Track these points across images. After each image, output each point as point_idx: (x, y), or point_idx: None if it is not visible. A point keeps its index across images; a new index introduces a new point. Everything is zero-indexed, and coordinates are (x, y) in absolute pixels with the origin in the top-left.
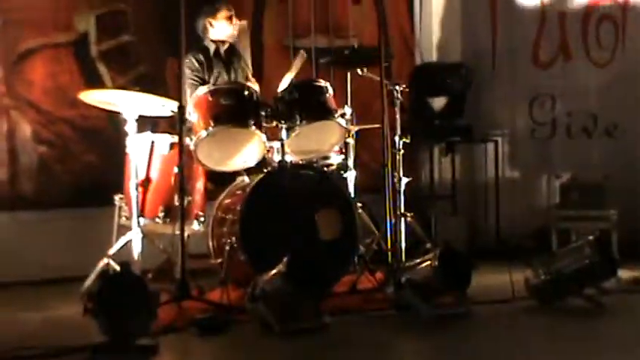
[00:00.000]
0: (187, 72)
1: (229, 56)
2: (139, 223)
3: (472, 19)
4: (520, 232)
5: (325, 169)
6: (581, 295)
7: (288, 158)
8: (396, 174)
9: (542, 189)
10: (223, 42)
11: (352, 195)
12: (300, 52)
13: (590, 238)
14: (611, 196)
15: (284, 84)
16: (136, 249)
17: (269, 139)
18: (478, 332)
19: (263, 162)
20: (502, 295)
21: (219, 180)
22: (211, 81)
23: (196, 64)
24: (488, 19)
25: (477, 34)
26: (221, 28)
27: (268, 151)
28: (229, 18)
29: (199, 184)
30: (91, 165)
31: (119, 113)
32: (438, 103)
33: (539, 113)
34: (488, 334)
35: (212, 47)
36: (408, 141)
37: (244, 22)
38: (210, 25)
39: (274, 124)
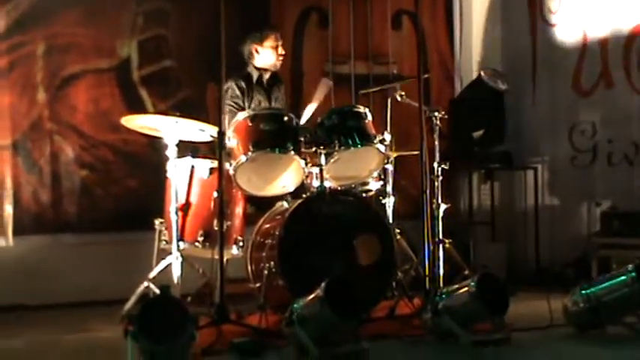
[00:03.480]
0: (228, 97)
1: (271, 84)
2: (178, 247)
3: (512, 45)
4: (560, 259)
5: (364, 195)
6: (620, 323)
7: (327, 184)
8: (434, 200)
9: (582, 216)
10: (266, 70)
11: (390, 221)
12: (324, 80)
13: (631, 266)
14: None
15: (307, 114)
16: (176, 273)
17: (308, 164)
18: (516, 359)
19: (302, 187)
20: (540, 323)
21: (258, 205)
22: (251, 108)
23: (237, 91)
24: (529, 46)
25: (517, 61)
26: (266, 56)
27: (307, 176)
28: (275, 47)
29: (238, 209)
30: (131, 189)
31: (160, 138)
32: (477, 132)
33: (579, 140)
34: None
35: (255, 74)
36: (446, 167)
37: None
38: (256, 51)
39: (313, 149)
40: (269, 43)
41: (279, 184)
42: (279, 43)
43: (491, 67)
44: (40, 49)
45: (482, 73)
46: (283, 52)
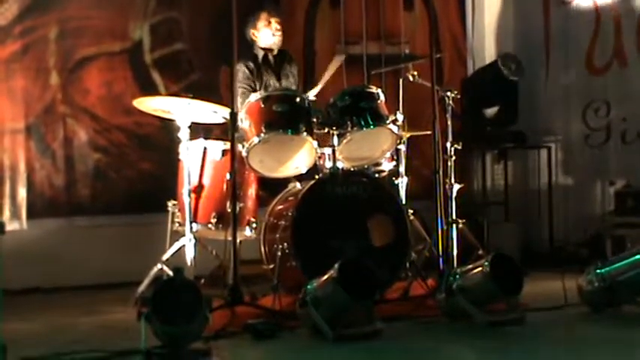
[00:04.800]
0: (238, 79)
1: (279, 63)
2: (191, 229)
3: (525, 24)
4: (574, 239)
5: (377, 175)
6: (635, 302)
7: (340, 165)
8: (447, 180)
9: (596, 195)
10: (271, 49)
11: (404, 201)
12: (336, 57)
13: None
14: None
15: (317, 88)
16: (189, 255)
17: (320, 145)
18: (530, 339)
19: (315, 168)
20: (555, 302)
21: (271, 186)
22: (261, 88)
23: (247, 72)
24: (541, 24)
25: (530, 39)
26: (264, 36)
27: (320, 157)
28: (268, 24)
29: (251, 191)
30: (144, 172)
31: (173, 120)
32: (491, 109)
33: (593, 119)
34: (541, 341)
35: (260, 54)
36: (459, 147)
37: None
38: (254, 35)
39: (326, 130)
40: (262, 23)
41: (292, 166)
42: (273, 19)
43: (508, 55)
44: (52, 33)
45: (499, 62)
46: (278, 27)
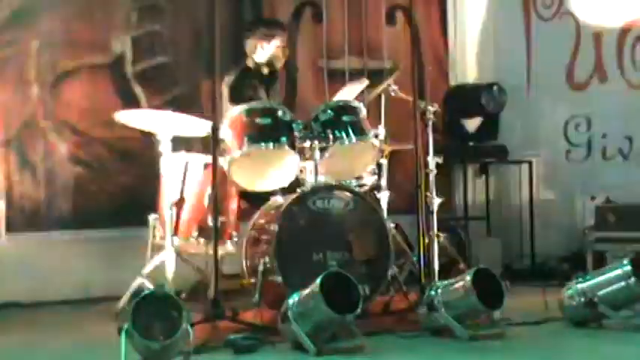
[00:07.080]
0: (227, 91)
1: (269, 79)
2: (172, 243)
3: (506, 39)
4: (555, 253)
5: (359, 189)
6: (616, 317)
7: (322, 178)
8: (429, 194)
9: (577, 210)
10: (265, 64)
11: (386, 215)
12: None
13: (626, 259)
14: None
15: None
16: (170, 269)
17: (302, 159)
18: (512, 353)
19: (296, 182)
20: (536, 317)
21: (252, 200)
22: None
23: (237, 84)
24: (522, 39)
25: (511, 54)
26: (269, 52)
27: (301, 171)
28: (268, 39)
29: (233, 204)
30: (125, 185)
31: (154, 134)
32: (472, 124)
33: (574, 134)
34: (523, 356)
35: (254, 68)
36: (441, 161)
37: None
38: (261, 47)
39: (308, 144)
40: (276, 42)
41: (274, 179)
42: (272, 33)
43: (491, 89)
44: (33, 45)
45: (482, 96)
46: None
